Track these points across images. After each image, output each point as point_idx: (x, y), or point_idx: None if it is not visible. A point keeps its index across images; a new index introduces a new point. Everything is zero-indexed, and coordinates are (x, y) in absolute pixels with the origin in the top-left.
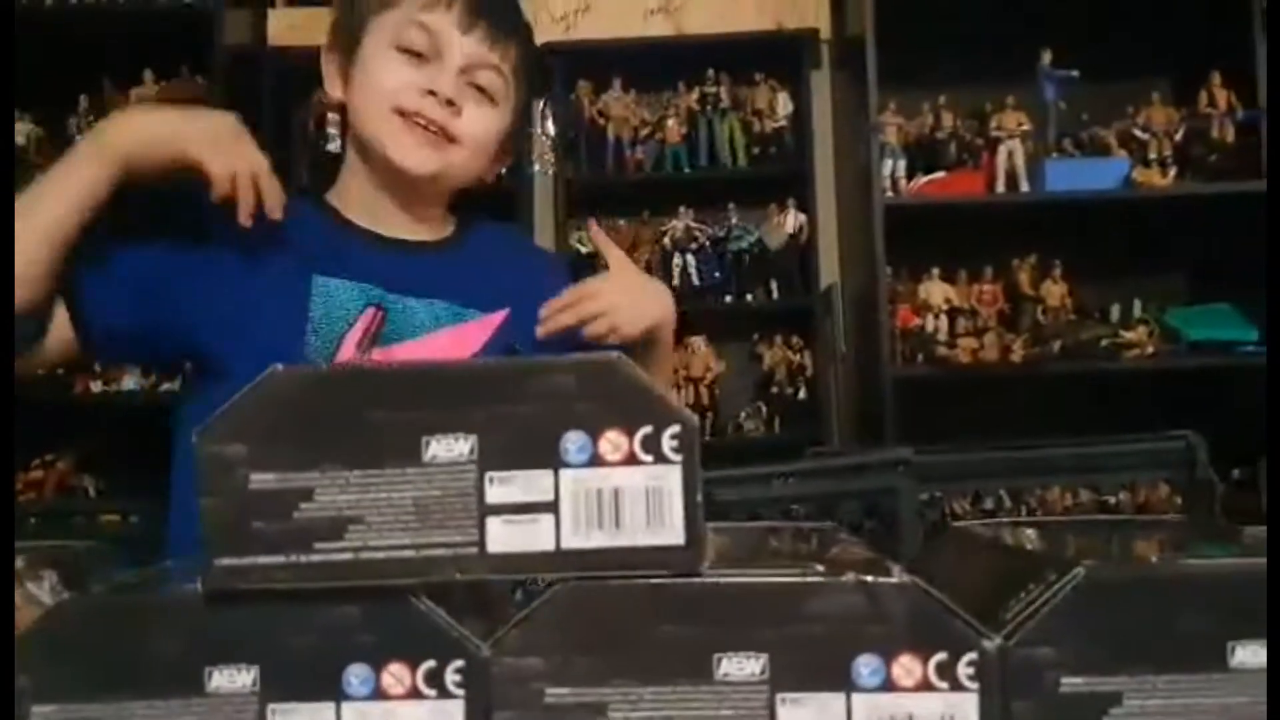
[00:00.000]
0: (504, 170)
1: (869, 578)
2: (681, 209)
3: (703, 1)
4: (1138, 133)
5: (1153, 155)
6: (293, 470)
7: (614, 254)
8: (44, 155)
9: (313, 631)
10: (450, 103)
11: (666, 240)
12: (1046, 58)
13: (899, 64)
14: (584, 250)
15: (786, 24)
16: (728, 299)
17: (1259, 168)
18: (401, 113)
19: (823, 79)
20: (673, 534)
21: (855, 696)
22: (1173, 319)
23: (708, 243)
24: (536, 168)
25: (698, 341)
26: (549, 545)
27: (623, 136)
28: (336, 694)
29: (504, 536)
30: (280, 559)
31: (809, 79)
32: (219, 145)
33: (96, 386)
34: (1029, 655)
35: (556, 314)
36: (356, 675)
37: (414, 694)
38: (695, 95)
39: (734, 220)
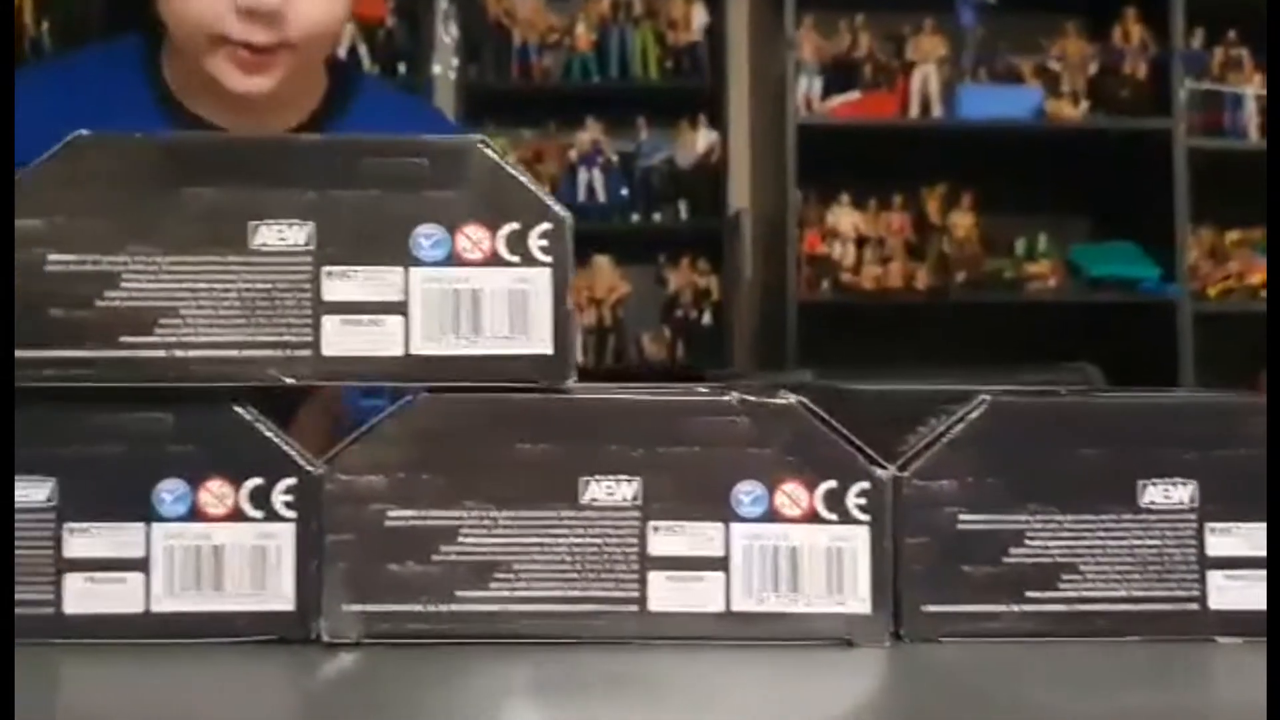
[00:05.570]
0: (404, 69)
1: (752, 397)
2: (589, 120)
3: None
4: (1052, 64)
5: (1065, 88)
6: (96, 251)
7: None
8: None
9: (118, 440)
10: (274, 13)
11: (573, 154)
12: None
13: None
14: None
15: None
16: (634, 218)
17: (1168, 105)
18: (224, 39)
19: None
20: (540, 343)
21: (734, 526)
22: (1076, 255)
23: (615, 158)
24: (437, 69)
25: (602, 261)
26: (397, 350)
27: (529, 42)
28: (146, 513)
29: (341, 338)
30: (80, 353)
31: None
32: None
33: None
34: (924, 488)
35: None
36: (170, 492)
37: (236, 515)
38: (607, 2)
39: (644, 136)
